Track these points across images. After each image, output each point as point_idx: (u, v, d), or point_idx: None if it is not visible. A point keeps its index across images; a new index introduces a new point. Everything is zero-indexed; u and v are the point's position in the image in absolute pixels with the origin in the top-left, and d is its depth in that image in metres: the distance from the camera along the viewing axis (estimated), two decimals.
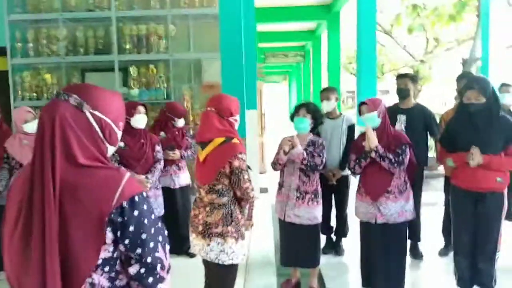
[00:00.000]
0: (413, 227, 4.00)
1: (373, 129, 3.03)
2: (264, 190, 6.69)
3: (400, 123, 3.84)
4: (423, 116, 3.89)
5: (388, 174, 2.99)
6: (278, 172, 3.38)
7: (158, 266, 1.23)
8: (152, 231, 1.22)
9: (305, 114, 3.24)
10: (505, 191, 2.97)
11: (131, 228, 1.18)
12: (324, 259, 4.02)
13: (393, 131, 3.11)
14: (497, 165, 2.81)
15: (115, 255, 1.20)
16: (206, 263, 2.45)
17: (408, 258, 3.91)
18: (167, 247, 1.28)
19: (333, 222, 4.26)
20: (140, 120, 3.37)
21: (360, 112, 3.16)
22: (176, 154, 3.96)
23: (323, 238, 4.18)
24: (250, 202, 2.40)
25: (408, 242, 3.93)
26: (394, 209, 2.99)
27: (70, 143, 1.17)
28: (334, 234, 4.28)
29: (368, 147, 2.97)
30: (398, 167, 2.94)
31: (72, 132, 1.18)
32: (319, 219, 3.27)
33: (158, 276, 1.23)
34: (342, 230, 4.23)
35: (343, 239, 4.25)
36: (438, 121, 4.03)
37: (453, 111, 3.70)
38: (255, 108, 6.21)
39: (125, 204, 1.18)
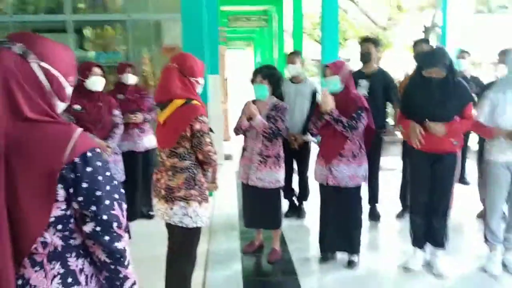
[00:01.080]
0: (371, 190, 4.15)
1: (334, 93, 3.04)
2: (228, 157, 6.68)
3: (362, 88, 3.87)
4: (384, 82, 3.94)
5: (342, 138, 3.03)
6: (242, 138, 3.36)
7: (115, 224, 1.18)
8: (108, 188, 1.18)
9: (262, 80, 3.19)
10: (459, 153, 3.09)
11: (84, 185, 1.13)
12: (286, 222, 4.11)
13: (353, 94, 3.13)
14: (454, 131, 2.90)
15: (68, 213, 1.15)
16: (170, 226, 2.42)
17: (367, 220, 4.11)
18: (124, 205, 1.23)
19: (295, 187, 4.33)
20: (96, 82, 3.21)
21: (324, 74, 3.15)
22: (138, 117, 3.85)
23: (285, 202, 4.27)
24: (213, 165, 2.37)
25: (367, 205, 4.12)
26: (346, 172, 3.05)
27: (14, 96, 1.09)
28: (296, 198, 4.36)
29: (323, 110, 2.99)
30: (351, 131, 2.98)
31: (16, 84, 1.10)
32: (282, 183, 3.30)
33: (115, 234, 1.18)
34: (303, 194, 4.31)
35: (304, 202, 4.34)
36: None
37: (408, 79, 3.74)
38: (217, 73, 6.09)
39: (77, 159, 1.12)
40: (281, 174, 3.28)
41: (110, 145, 3.28)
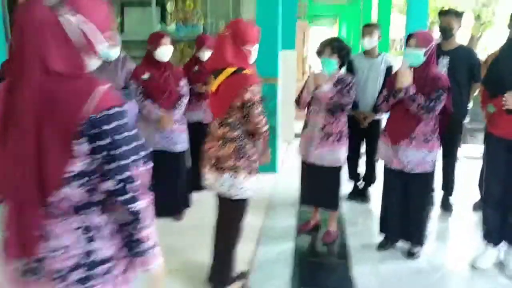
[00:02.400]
0: (445, 179, 3.82)
1: (413, 67, 2.78)
2: (298, 135, 6.57)
3: (442, 66, 3.52)
4: (467, 59, 3.54)
5: (414, 119, 2.77)
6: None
7: (130, 185, 1.18)
8: (125, 148, 1.17)
9: (331, 54, 3.02)
10: None
11: (102, 142, 1.14)
12: (348, 205, 3.96)
13: (435, 72, 2.82)
14: None
15: (92, 167, 1.17)
16: (218, 196, 2.44)
17: (439, 210, 3.81)
18: (145, 167, 1.23)
19: (362, 169, 4.14)
20: (164, 53, 3.30)
21: (407, 44, 2.85)
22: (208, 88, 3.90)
23: (349, 185, 4.11)
24: (263, 137, 2.31)
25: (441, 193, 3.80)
26: (414, 157, 2.80)
27: (43, 49, 1.11)
28: (362, 181, 4.17)
29: (399, 86, 2.75)
30: (427, 114, 2.72)
31: (45, 37, 1.12)
32: (342, 162, 3.16)
33: (131, 194, 1.19)
34: (369, 177, 4.10)
35: (369, 187, 4.13)
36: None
37: (494, 55, 3.31)
38: (293, 48, 5.95)
39: (96, 116, 1.12)
40: (342, 153, 3.13)
41: (176, 114, 3.37)
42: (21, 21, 1.12)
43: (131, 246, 1.24)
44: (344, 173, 3.45)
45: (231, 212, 2.41)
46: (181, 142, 3.49)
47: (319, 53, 3.09)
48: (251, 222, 3.48)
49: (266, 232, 3.39)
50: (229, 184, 2.28)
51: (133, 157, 1.19)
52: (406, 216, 2.96)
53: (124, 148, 1.16)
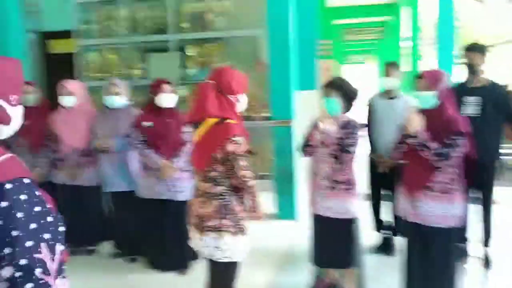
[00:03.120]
0: (484, 229, 3.39)
1: (425, 110, 2.50)
2: None
3: (468, 106, 3.19)
4: (495, 97, 3.19)
5: (430, 167, 2.45)
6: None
7: (38, 270, 0.99)
8: (31, 227, 0.99)
9: (333, 94, 2.78)
10: None
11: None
12: (372, 259, 3.58)
13: (450, 115, 2.52)
14: None
15: None
16: (205, 258, 2.20)
17: (475, 264, 3.36)
18: (60, 246, 1.04)
19: (384, 217, 3.78)
20: (164, 99, 3.20)
21: (417, 86, 2.59)
22: None
23: (373, 236, 3.75)
24: (250, 192, 2.08)
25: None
26: (433, 210, 2.46)
27: None
28: (386, 230, 3.79)
29: (409, 131, 2.46)
30: (442, 161, 2.40)
31: None
32: (353, 214, 2.84)
33: (39, 282, 0.99)
34: (392, 226, 3.72)
35: (394, 237, 3.74)
36: None
37: None
38: (313, 88, 5.75)
39: None
40: (352, 203, 2.82)
41: (175, 163, 3.22)
42: None
43: None
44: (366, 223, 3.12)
45: (219, 276, 2.15)
46: (184, 190, 3.31)
47: (323, 94, 2.87)
48: (260, 277, 3.22)
49: None
50: (213, 246, 2.05)
51: (38, 238, 1.00)
52: (428, 277, 2.58)
53: (24, 228, 0.98)
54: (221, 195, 2.04)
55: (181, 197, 3.29)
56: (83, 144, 3.54)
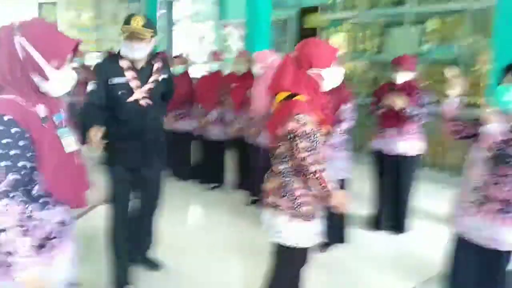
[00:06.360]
0: None
1: None
2: None
3: None
4: None
5: None
6: None
7: None
8: None
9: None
10: None
11: None
12: None
13: None
14: None
15: None
16: None
17: None
18: (12, 176, 1.33)
19: None
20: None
21: None
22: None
23: None
24: (312, 178, 1.86)
25: None
26: None
27: None
28: None
29: None
30: None
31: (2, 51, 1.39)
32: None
33: None
34: None
35: None
36: None
37: None
38: None
39: None
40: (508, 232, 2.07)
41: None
42: None
43: None
44: None
45: (274, 257, 2.08)
46: (342, 169, 3.18)
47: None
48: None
49: None
50: (268, 224, 2.00)
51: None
52: None
53: None
54: (283, 174, 1.94)
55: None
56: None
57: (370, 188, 3.80)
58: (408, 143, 3.51)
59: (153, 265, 2.99)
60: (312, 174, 1.84)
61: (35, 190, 1.42)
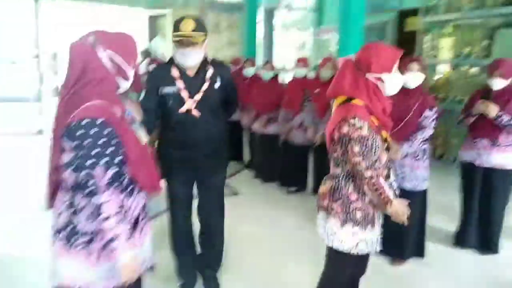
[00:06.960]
0: None
1: None
2: None
3: None
4: None
5: None
6: None
7: (90, 181, 1.49)
8: (93, 153, 1.49)
9: None
10: None
11: (74, 143, 1.50)
12: None
13: None
14: None
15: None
16: None
17: None
18: (111, 170, 1.52)
19: None
20: (412, 79, 2.97)
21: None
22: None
23: None
24: (368, 184, 1.82)
25: None
26: None
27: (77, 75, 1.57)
28: None
29: None
30: None
31: (87, 65, 1.55)
32: None
33: (90, 190, 1.50)
34: None
35: None
36: None
37: None
38: None
39: (73, 124, 1.50)
40: None
41: (405, 148, 2.97)
42: (71, 55, 1.60)
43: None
44: None
45: (328, 261, 2.07)
46: (413, 179, 3.02)
47: None
48: None
49: None
50: (322, 227, 2.00)
51: (94, 161, 1.50)
52: None
53: (85, 152, 1.49)
54: (337, 177, 1.93)
55: (408, 186, 3.03)
56: None
57: (449, 200, 3.51)
58: (503, 156, 3.19)
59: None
60: (367, 179, 1.81)
61: (125, 180, 1.61)
